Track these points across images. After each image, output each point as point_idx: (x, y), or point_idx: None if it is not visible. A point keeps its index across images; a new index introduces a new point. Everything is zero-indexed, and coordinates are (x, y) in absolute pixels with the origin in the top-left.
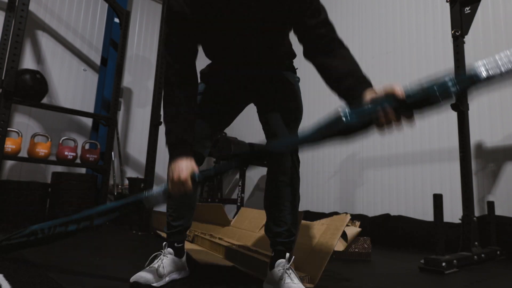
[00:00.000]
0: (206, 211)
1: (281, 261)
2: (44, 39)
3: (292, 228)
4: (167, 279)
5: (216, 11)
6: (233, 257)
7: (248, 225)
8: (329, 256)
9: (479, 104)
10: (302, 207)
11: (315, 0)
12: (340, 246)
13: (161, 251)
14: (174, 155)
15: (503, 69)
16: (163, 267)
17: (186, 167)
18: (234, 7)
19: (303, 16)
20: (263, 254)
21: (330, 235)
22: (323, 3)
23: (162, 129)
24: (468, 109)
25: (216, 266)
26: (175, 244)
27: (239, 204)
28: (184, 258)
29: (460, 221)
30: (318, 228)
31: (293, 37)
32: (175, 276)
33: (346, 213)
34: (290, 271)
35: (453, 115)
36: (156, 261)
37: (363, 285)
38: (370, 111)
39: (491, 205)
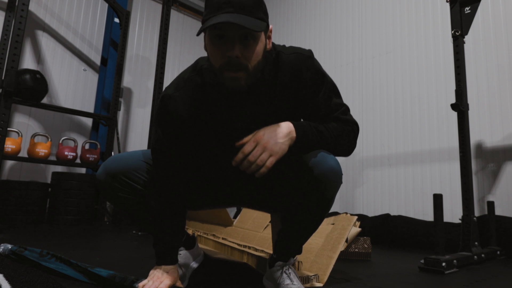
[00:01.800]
0: (208, 211)
1: (281, 262)
2: (44, 39)
3: (300, 250)
4: (189, 272)
5: (217, 114)
6: (240, 256)
7: (251, 225)
8: (337, 255)
9: (479, 104)
10: None
11: (326, 79)
12: None
13: None
14: (159, 262)
15: None
16: (179, 266)
17: (166, 278)
18: (237, 112)
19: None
20: (270, 253)
21: (337, 234)
22: (323, 3)
23: None
24: (468, 109)
25: (226, 262)
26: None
27: None
28: (196, 245)
29: (460, 221)
30: (325, 228)
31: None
32: (194, 266)
33: (346, 213)
34: (290, 271)
35: (453, 115)
36: None
37: (363, 285)
38: None
39: (491, 205)
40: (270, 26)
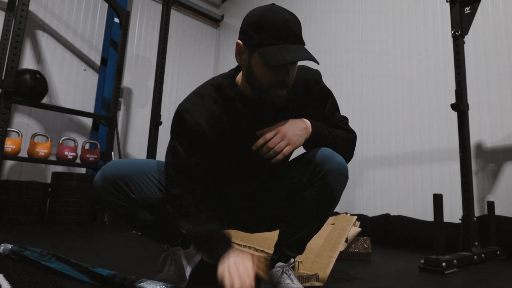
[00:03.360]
0: None
1: (281, 263)
2: (44, 39)
3: (303, 249)
4: (188, 272)
5: (230, 135)
6: None
7: None
8: (337, 255)
9: (479, 104)
10: None
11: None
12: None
13: (167, 249)
14: (220, 254)
15: None
16: (178, 266)
17: (247, 268)
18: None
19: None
20: (270, 254)
21: (337, 234)
22: (324, 3)
23: (162, 129)
24: (468, 109)
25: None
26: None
27: None
28: (192, 244)
29: (460, 221)
30: (325, 229)
31: None
32: (192, 265)
33: (346, 213)
34: (290, 271)
35: (453, 115)
36: (168, 263)
37: (363, 285)
38: None
39: (491, 205)
40: None
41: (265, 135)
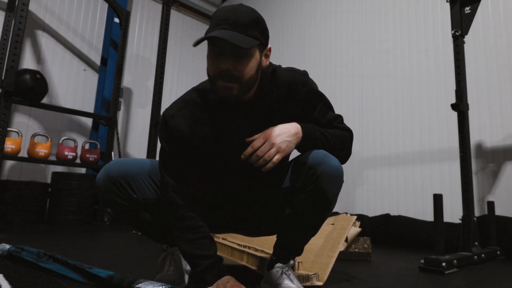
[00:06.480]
0: None
1: (281, 264)
2: (44, 39)
3: (301, 251)
4: (187, 271)
5: (216, 136)
6: (240, 256)
7: None
8: (337, 255)
9: (479, 104)
10: None
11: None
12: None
13: (166, 249)
14: (210, 280)
15: None
16: (177, 266)
17: None
18: (236, 133)
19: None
20: (270, 254)
21: (337, 234)
22: (324, 3)
23: None
24: (468, 109)
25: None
26: None
27: None
28: None
29: (460, 221)
30: (325, 229)
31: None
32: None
33: (346, 213)
34: (289, 272)
35: (453, 115)
36: (167, 263)
37: (363, 285)
38: None
39: (491, 205)
40: (269, 46)
41: (253, 144)
